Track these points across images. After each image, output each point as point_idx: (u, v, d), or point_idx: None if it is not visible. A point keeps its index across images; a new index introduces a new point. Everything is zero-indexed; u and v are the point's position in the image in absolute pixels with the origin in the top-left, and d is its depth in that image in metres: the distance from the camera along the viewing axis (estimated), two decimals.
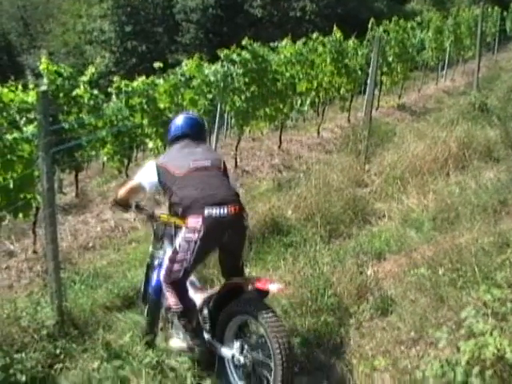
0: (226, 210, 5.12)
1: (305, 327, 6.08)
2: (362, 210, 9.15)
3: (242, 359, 5.13)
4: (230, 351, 5.23)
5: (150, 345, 5.73)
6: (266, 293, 5.22)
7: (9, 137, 8.40)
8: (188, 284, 5.56)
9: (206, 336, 5.49)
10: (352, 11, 49.60)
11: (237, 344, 5.20)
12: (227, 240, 5.30)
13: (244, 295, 5.27)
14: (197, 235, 5.09)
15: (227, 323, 5.30)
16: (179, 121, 5.92)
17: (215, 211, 5.09)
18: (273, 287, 5.12)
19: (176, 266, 5.21)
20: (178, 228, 5.37)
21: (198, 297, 5.65)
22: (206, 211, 5.08)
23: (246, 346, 5.15)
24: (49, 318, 6.19)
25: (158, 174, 5.46)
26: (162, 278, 5.42)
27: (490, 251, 6.08)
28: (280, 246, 7.79)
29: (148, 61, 38.33)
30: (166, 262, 5.38)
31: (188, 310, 5.37)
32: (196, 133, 5.83)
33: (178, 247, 5.20)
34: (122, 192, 5.85)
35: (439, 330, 4.75)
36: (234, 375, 5.33)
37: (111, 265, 8.46)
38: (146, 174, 5.63)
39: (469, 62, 27.60)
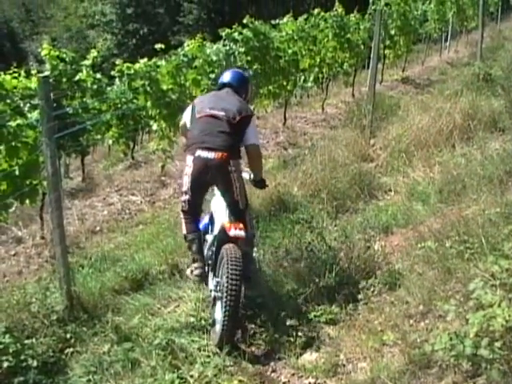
0: (213, 155, 5.92)
1: (313, 304, 6.10)
2: (368, 185, 9.14)
3: (213, 294, 5.91)
4: (211, 286, 6.03)
5: None
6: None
7: (13, 123, 8.40)
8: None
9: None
10: None
11: (213, 280, 5.96)
12: (213, 179, 6.11)
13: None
14: (189, 170, 6.03)
15: (217, 260, 5.96)
16: (226, 72, 6.81)
17: (204, 153, 5.94)
18: (232, 232, 5.82)
19: (182, 197, 6.22)
20: None
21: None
22: (197, 152, 5.97)
23: (218, 284, 5.82)
24: (58, 302, 6.22)
25: (192, 112, 6.37)
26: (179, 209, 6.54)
27: (496, 222, 6.06)
28: (287, 223, 7.77)
29: (150, 43, 38.22)
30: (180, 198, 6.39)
31: (190, 236, 6.19)
32: (236, 85, 6.54)
33: (182, 181, 6.19)
34: (181, 135, 7.07)
35: (447, 302, 4.74)
36: (215, 307, 5.94)
37: (119, 248, 8.47)
38: (186, 112, 6.62)
39: (472, 32, 27.39)
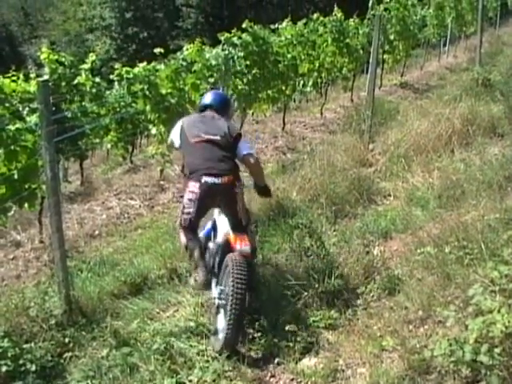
0: (219, 180, 6.02)
1: (312, 309, 6.10)
2: (367, 190, 9.14)
3: (216, 302, 5.95)
4: (214, 294, 6.06)
5: None
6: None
7: (12, 127, 8.39)
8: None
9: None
10: None
11: (217, 288, 6.00)
12: (220, 202, 6.26)
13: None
14: (195, 196, 6.07)
15: (221, 268, 6.05)
16: (207, 94, 6.97)
17: (210, 179, 6.02)
18: (237, 248, 5.92)
19: (184, 216, 6.20)
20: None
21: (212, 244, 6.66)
22: (203, 179, 6.02)
23: (222, 292, 5.88)
24: (57, 307, 6.22)
25: (181, 133, 6.46)
26: (177, 223, 6.57)
27: (496, 228, 6.07)
28: (286, 228, 7.75)
29: (149, 47, 38.23)
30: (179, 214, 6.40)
31: (191, 245, 6.25)
32: (219, 107, 6.68)
33: (184, 203, 6.19)
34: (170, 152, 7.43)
35: (447, 308, 4.75)
36: (218, 316, 6.00)
37: (118, 252, 8.45)
38: (174, 131, 6.67)
39: (471, 37, 27.43)
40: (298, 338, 5.65)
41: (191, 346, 5.71)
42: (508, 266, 4.54)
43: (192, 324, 6.05)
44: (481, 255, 5.52)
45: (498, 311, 4.13)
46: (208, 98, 6.81)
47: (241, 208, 6.24)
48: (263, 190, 6.76)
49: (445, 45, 25.69)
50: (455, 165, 8.85)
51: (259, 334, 5.82)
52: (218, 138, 6.21)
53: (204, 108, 6.74)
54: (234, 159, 6.26)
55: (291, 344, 5.58)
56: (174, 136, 6.61)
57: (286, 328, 5.74)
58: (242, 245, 5.94)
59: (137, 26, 55.65)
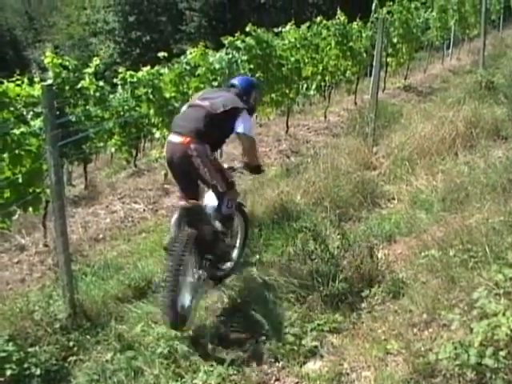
0: (178, 139, 6.20)
1: (316, 312, 6.09)
2: (371, 193, 9.13)
3: None
4: None
5: None
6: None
7: (16, 131, 8.41)
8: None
9: None
10: None
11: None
12: (176, 162, 6.28)
13: None
14: (166, 160, 6.43)
15: None
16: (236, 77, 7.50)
17: (172, 137, 6.30)
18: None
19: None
20: None
21: None
22: (169, 137, 6.39)
23: None
24: (61, 310, 6.21)
25: None
26: None
27: (500, 231, 6.06)
28: (290, 231, 7.76)
29: (153, 51, 38.29)
30: None
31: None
32: (240, 86, 6.87)
33: None
34: None
35: (451, 311, 4.75)
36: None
37: (122, 256, 8.45)
38: None
39: (474, 40, 27.45)
40: (303, 342, 5.64)
41: (196, 349, 5.71)
42: None
43: (196, 327, 6.05)
44: (485, 258, 5.52)
45: (503, 314, 4.14)
46: (235, 79, 7.13)
47: (207, 172, 6.27)
48: (254, 168, 7.02)
49: (448, 47, 25.68)
50: (459, 168, 8.83)
51: (263, 337, 5.83)
52: (206, 103, 6.40)
53: (231, 86, 6.99)
54: (209, 126, 6.25)
55: (295, 347, 5.58)
56: None
57: (291, 331, 5.74)
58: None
59: (140, 30, 55.76)
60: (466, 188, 7.92)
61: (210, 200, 6.74)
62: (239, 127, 6.39)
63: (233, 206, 6.71)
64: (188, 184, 6.51)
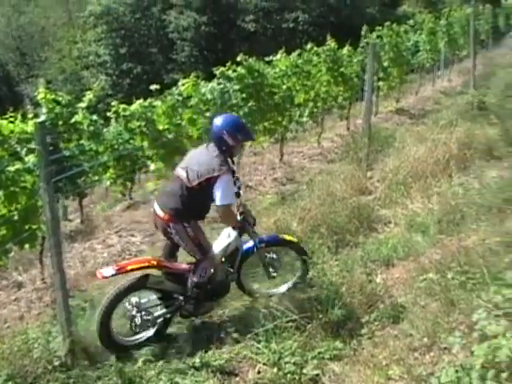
0: (160, 213, 6.54)
1: (317, 340, 6.07)
2: (367, 218, 9.14)
3: None
4: None
5: None
6: None
7: (11, 168, 8.40)
8: None
9: None
10: (345, 19, 49.78)
11: None
12: (159, 228, 6.75)
13: None
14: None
15: None
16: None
17: (155, 207, 6.64)
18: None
19: None
20: None
21: None
22: (154, 203, 6.71)
23: None
24: (60, 347, 6.17)
25: None
26: None
27: (497, 251, 6.07)
28: (288, 259, 7.75)
29: (144, 82, 38.53)
30: None
31: None
32: (213, 138, 6.57)
33: None
34: None
35: (452, 334, 4.74)
36: None
37: None
38: None
39: (464, 60, 27.64)
40: (304, 370, 5.62)
41: (196, 382, 5.68)
42: (511, 289, 4.53)
43: (197, 360, 6.01)
44: (483, 279, 5.52)
45: (503, 335, 4.12)
46: (219, 120, 6.54)
47: (187, 246, 6.59)
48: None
49: (439, 69, 25.82)
50: (454, 189, 8.86)
51: (264, 367, 5.80)
52: (183, 174, 6.42)
53: (213, 136, 6.57)
54: (186, 201, 6.40)
55: (297, 377, 5.56)
56: None
57: (292, 360, 5.72)
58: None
59: (132, 62, 55.96)
60: (462, 209, 7.95)
61: (218, 242, 6.89)
62: (216, 199, 6.34)
63: (206, 275, 6.69)
64: (167, 243, 7.00)
